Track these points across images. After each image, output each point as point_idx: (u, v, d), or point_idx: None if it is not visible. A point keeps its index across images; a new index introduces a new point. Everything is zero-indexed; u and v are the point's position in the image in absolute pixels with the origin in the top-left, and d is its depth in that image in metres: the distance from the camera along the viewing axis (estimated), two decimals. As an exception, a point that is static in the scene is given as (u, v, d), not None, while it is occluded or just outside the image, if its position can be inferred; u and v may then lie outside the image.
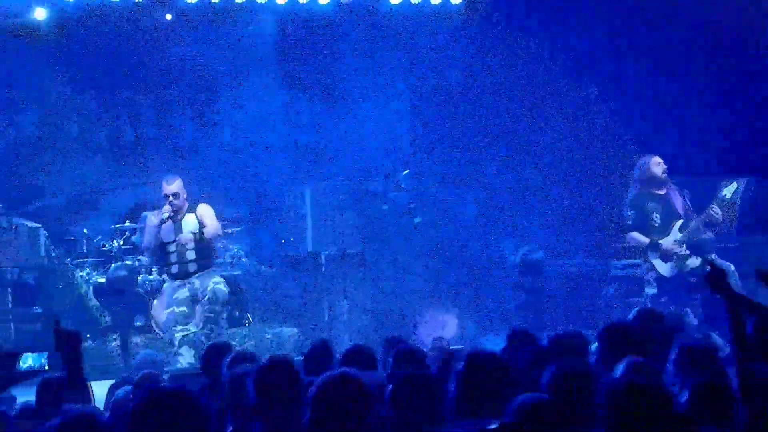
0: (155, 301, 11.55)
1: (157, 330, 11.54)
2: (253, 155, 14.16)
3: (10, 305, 11.33)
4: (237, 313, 12.11)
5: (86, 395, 4.61)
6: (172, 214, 10.23)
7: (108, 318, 11.85)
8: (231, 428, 4.85)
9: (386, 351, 5.97)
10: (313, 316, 11.89)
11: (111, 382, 7.44)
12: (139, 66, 14.02)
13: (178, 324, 10.13)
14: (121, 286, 11.44)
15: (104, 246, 12.49)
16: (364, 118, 13.82)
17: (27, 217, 12.39)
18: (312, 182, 12.74)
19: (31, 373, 4.59)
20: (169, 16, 13.53)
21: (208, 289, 10.15)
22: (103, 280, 11.89)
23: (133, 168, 14.42)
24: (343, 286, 11.26)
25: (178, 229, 10.27)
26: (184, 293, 10.17)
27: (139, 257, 12.09)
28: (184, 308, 10.14)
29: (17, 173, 13.87)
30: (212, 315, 10.06)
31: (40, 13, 13.02)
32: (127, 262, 11.88)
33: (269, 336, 11.60)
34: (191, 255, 10.26)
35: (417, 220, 12.20)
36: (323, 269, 11.50)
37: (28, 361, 4.56)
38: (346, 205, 11.36)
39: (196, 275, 10.28)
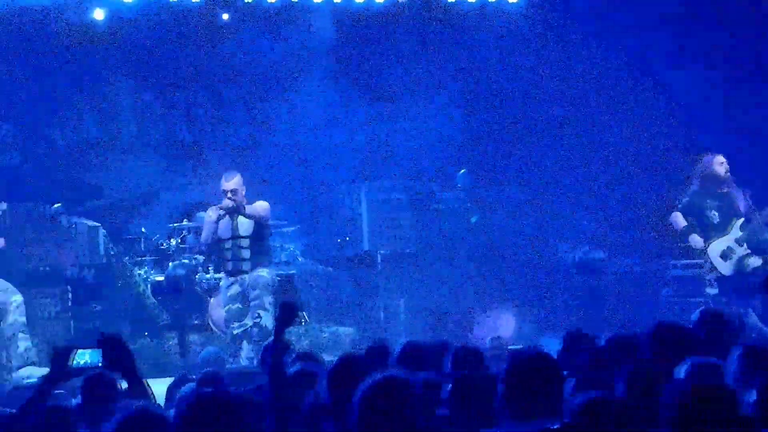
0: (212, 300, 11.61)
1: (214, 328, 11.60)
2: (309, 155, 14.19)
3: (70, 303, 11.41)
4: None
5: (145, 393, 4.62)
6: (230, 208, 10.11)
7: (166, 316, 11.92)
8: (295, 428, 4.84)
9: (441, 351, 5.92)
10: (368, 316, 11.89)
11: (169, 379, 7.47)
12: (195, 66, 14.12)
13: (235, 321, 10.11)
14: (180, 284, 11.47)
15: (162, 245, 12.58)
16: (420, 117, 13.79)
17: (86, 216, 12.51)
18: (367, 182, 12.72)
19: (85, 370, 4.61)
20: (226, 16, 13.62)
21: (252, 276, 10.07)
22: (161, 278, 11.96)
23: (190, 167, 14.53)
24: (399, 286, 11.22)
25: (236, 226, 10.22)
26: (236, 289, 10.16)
27: (195, 256, 12.16)
28: (238, 305, 10.11)
29: (77, 173, 14.02)
30: (257, 300, 9.96)
31: (99, 14, 13.17)
32: (185, 261, 11.94)
33: (325, 335, 11.60)
34: (246, 254, 10.17)
35: (473, 219, 12.15)
36: (379, 268, 11.48)
37: (85, 357, 4.58)
38: (402, 204, 11.33)
39: (250, 274, 10.20)
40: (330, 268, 12.53)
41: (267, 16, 13.59)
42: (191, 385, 5.93)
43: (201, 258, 12.12)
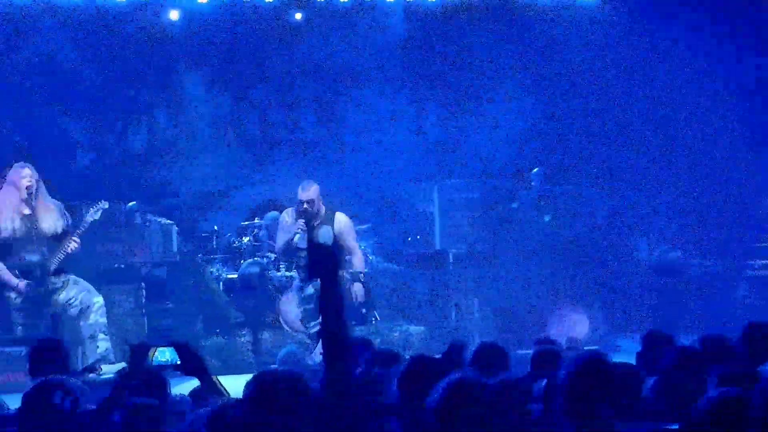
0: (283, 298, 11.65)
1: (285, 326, 11.62)
2: (380, 153, 14.18)
3: (143, 300, 11.51)
4: (363, 311, 12.12)
5: (218, 391, 4.65)
6: (304, 230, 10.01)
7: (238, 314, 11.98)
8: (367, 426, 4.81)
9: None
10: (440, 315, 11.82)
11: (242, 377, 7.49)
12: (268, 65, 14.20)
13: (311, 320, 10.10)
14: (253, 282, 11.50)
15: (234, 242, 12.64)
16: (493, 114, 13.70)
17: (160, 213, 12.61)
18: (439, 180, 12.66)
19: (163, 367, 4.65)
20: (298, 16, 13.67)
21: None
22: (233, 276, 12.02)
23: (261, 165, 14.61)
24: (471, 285, 11.14)
25: (312, 238, 10.10)
26: (310, 290, 10.14)
27: (267, 254, 12.20)
28: (312, 304, 10.10)
29: (151, 171, 14.17)
30: None
31: (174, 15, 13.29)
32: (257, 259, 11.98)
33: (396, 334, 11.57)
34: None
35: (547, 218, 12.02)
36: (451, 267, 11.40)
37: (165, 355, 4.63)
38: (475, 203, 11.23)
39: None
40: (401, 267, 12.49)
41: (339, 15, 13.61)
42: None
43: (272, 256, 12.16)
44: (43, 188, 9.51)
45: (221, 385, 4.75)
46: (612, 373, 4.02)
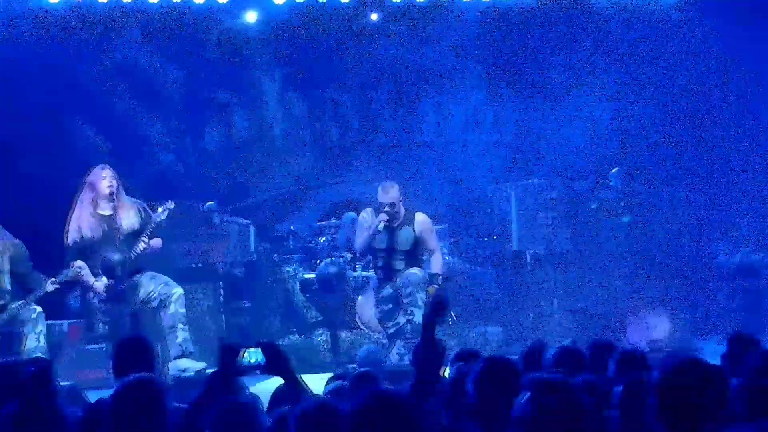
0: (360, 298, 11.67)
1: (361, 326, 11.65)
2: (457, 153, 14.14)
3: (221, 299, 11.61)
4: (440, 312, 12.10)
5: (303, 391, 4.67)
6: (387, 224, 9.98)
7: (314, 313, 12.02)
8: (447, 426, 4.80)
9: (597, 353, 5.77)
10: (517, 316, 11.74)
11: (319, 375, 7.51)
12: (344, 66, 14.23)
13: (388, 321, 10.07)
14: (331, 282, 11.53)
15: (310, 242, 12.69)
16: (571, 115, 13.57)
17: (237, 213, 12.72)
18: (517, 180, 12.58)
19: (253, 368, 4.68)
20: (375, 17, 13.68)
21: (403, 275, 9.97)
22: (311, 275, 12.06)
23: (338, 166, 14.65)
24: (550, 286, 11.04)
25: (391, 238, 10.05)
26: (387, 290, 10.11)
27: (343, 254, 12.24)
28: (390, 305, 10.06)
29: (229, 172, 14.29)
30: (410, 298, 9.87)
31: (251, 16, 13.38)
32: (333, 259, 12.02)
33: (473, 335, 11.52)
34: (400, 265, 10.08)
35: (626, 219, 11.86)
36: (528, 268, 11.32)
37: (256, 356, 4.66)
38: (553, 203, 11.11)
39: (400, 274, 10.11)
40: (478, 268, 12.43)
41: (416, 15, 13.58)
42: (339, 382, 5.95)
43: (349, 256, 12.19)
44: (121, 188, 9.63)
45: (305, 384, 4.76)
46: (710, 375, 3.94)
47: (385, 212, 9.90)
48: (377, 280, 10.21)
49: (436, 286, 10.03)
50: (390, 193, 9.97)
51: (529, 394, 3.67)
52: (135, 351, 5.42)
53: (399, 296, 9.93)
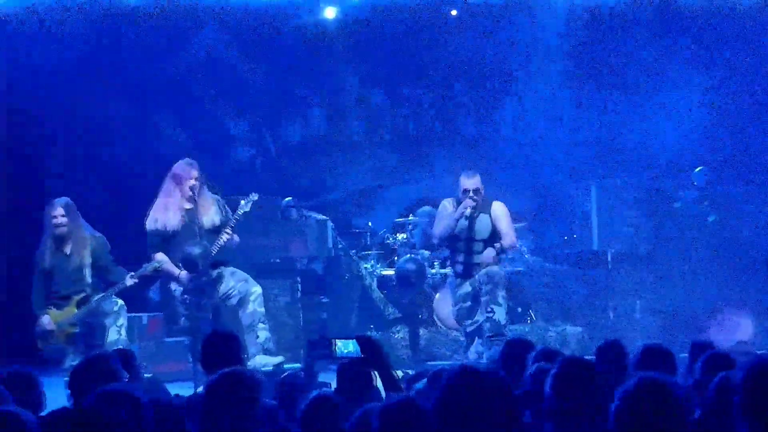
0: (437, 295, 11.63)
1: (439, 323, 11.60)
2: (537, 150, 14.03)
3: (299, 294, 11.65)
4: (519, 310, 12.01)
5: (398, 386, 4.67)
6: (467, 216, 9.86)
7: (392, 309, 12.00)
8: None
9: (695, 355, 5.64)
10: (597, 315, 11.59)
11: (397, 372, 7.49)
12: (423, 62, 14.20)
13: (466, 319, 9.97)
14: (410, 278, 11.48)
15: (387, 239, 12.68)
16: (655, 112, 13.39)
17: (315, 209, 12.75)
18: (598, 178, 12.42)
19: (346, 359, 4.69)
20: (454, 12, 13.62)
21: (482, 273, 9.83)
22: (389, 272, 12.05)
23: (416, 163, 14.63)
24: (632, 286, 10.88)
25: (471, 227, 9.94)
26: (466, 288, 9.99)
27: (421, 250, 12.20)
28: (469, 303, 9.95)
29: (307, 168, 14.35)
30: (489, 296, 9.74)
31: (329, 13, 13.41)
32: (412, 255, 11.98)
33: (552, 334, 11.41)
34: (478, 258, 9.97)
35: (711, 218, 11.64)
36: (609, 267, 11.16)
37: (349, 347, 4.67)
38: (636, 202, 10.93)
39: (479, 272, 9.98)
40: (558, 267, 12.30)
41: (495, 11, 13.49)
42: (424, 380, 5.91)
43: (426, 253, 12.15)
44: (204, 184, 9.69)
45: (398, 379, 4.75)
46: None
47: (471, 199, 9.76)
48: (455, 276, 10.04)
49: (499, 252, 9.84)
50: (473, 179, 9.85)
51: (630, 392, 3.57)
52: (224, 345, 5.43)
53: (478, 294, 9.82)
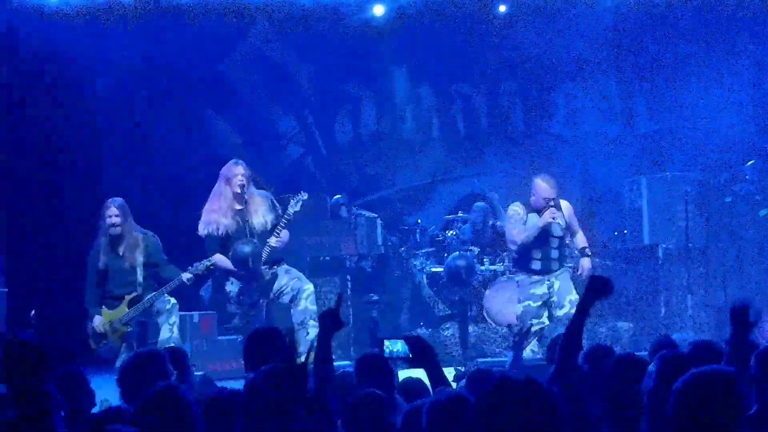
0: (488, 291, 11.60)
1: (489, 320, 11.59)
2: (588, 145, 13.96)
3: (349, 292, 11.68)
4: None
5: (447, 385, 4.70)
6: (554, 219, 9.81)
7: (442, 307, 12.00)
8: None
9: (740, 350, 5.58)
10: (648, 311, 11.51)
11: (447, 370, 7.48)
12: (472, 58, 14.18)
13: (532, 318, 9.99)
14: (461, 275, 11.47)
15: (437, 236, 12.68)
16: (705, 106, 13.26)
17: (365, 207, 12.78)
18: (648, 173, 12.33)
19: (398, 359, 4.74)
20: (503, 8, 13.58)
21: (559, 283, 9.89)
22: (438, 269, 12.04)
23: (466, 159, 14.61)
24: (683, 281, 10.78)
25: (545, 228, 9.98)
26: (542, 290, 10.00)
27: (470, 247, 12.18)
28: (539, 303, 9.99)
29: (357, 165, 14.39)
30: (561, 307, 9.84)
31: (378, 10, 13.44)
32: (462, 252, 11.96)
33: (603, 330, 11.34)
34: (555, 254, 10.00)
35: (763, 212, 11.49)
36: (660, 262, 11.08)
37: (397, 346, 4.72)
38: (687, 197, 10.83)
39: (556, 274, 10.00)
40: (608, 262, 12.22)
41: (544, 6, 13.44)
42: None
43: (476, 250, 12.14)
44: (252, 183, 9.73)
45: (447, 378, 4.78)
46: None
47: (551, 206, 9.77)
48: (529, 273, 10.03)
49: (588, 256, 9.95)
50: (553, 186, 9.84)
51: (690, 384, 3.52)
52: (266, 342, 5.46)
53: (549, 299, 9.86)
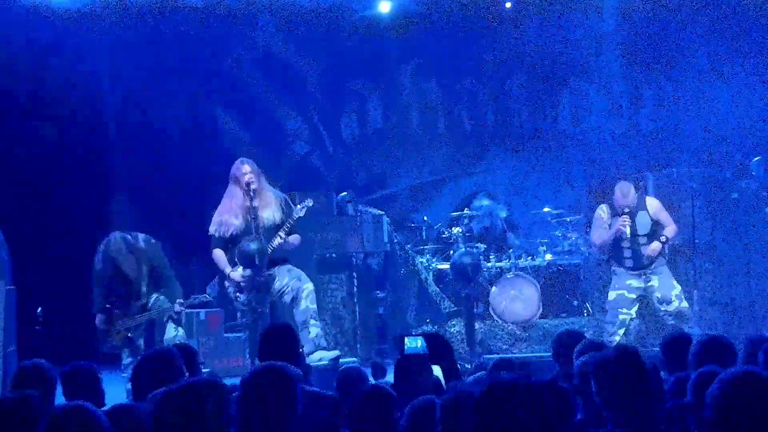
0: (494, 288, 11.61)
1: (495, 317, 11.59)
2: (594, 141, 13.95)
3: (355, 289, 11.68)
4: (575, 303, 11.96)
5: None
6: (623, 227, 10.18)
7: (448, 303, 12.00)
8: (579, 416, 4.73)
9: (753, 347, 5.58)
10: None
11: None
12: (478, 55, 14.17)
13: (624, 307, 10.24)
14: (466, 272, 11.48)
15: (444, 233, 12.68)
16: (711, 102, 13.25)
17: (371, 204, 12.78)
18: (654, 168, 12.32)
19: (416, 355, 4.78)
20: (508, 5, 13.58)
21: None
22: (445, 266, 12.05)
23: (472, 156, 14.61)
24: (689, 277, 10.79)
25: (632, 226, 10.24)
26: (639, 283, 10.31)
27: (477, 244, 12.18)
28: (633, 295, 10.29)
29: (363, 163, 14.39)
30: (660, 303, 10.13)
31: (384, 7, 13.44)
32: (470, 249, 11.96)
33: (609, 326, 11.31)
34: (644, 250, 10.30)
35: (768, 209, 11.49)
36: (666, 259, 11.03)
37: (416, 343, 4.77)
38: (693, 193, 10.85)
39: (653, 269, 10.26)
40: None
41: (550, 2, 13.43)
42: (482, 372, 5.93)
43: (482, 246, 12.14)
44: (263, 180, 9.74)
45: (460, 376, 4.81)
46: None
47: (626, 213, 10.18)
48: (626, 268, 10.32)
49: (662, 242, 10.28)
50: (629, 196, 10.25)
51: (732, 383, 3.49)
52: (280, 338, 5.47)
53: (640, 295, 10.27)
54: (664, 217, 10.35)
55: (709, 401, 3.46)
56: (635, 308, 10.33)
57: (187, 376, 5.05)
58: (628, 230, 10.19)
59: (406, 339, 4.80)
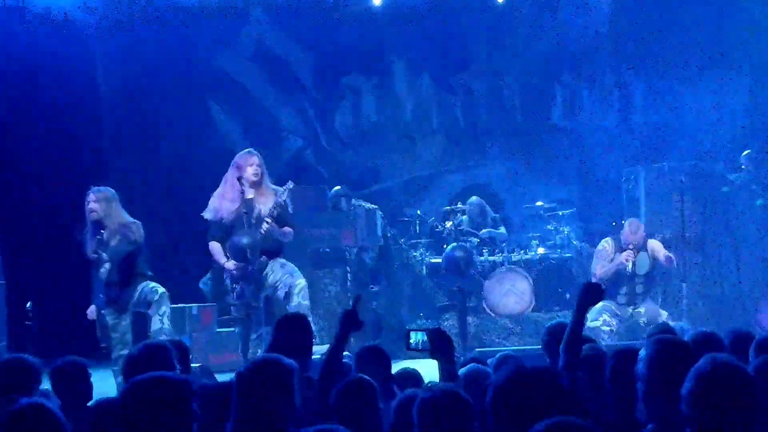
0: (487, 282, 11.65)
1: (488, 311, 11.64)
2: (585, 136, 13.99)
3: (349, 283, 11.71)
4: (568, 296, 12.01)
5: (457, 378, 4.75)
6: (626, 261, 10.24)
7: (442, 298, 12.05)
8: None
9: (735, 340, 5.61)
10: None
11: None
12: (471, 49, 14.20)
13: (606, 314, 10.26)
14: (459, 266, 11.52)
15: (437, 227, 12.71)
16: (702, 95, 13.29)
17: (365, 198, 12.80)
18: (646, 163, 12.36)
19: (419, 351, 4.81)
20: (500, 0, 13.60)
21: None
22: (438, 260, 12.09)
23: (465, 151, 14.64)
24: (679, 270, 10.83)
25: (632, 264, 10.30)
26: (626, 311, 10.38)
27: (470, 239, 12.22)
28: (619, 312, 10.34)
29: (357, 157, 14.42)
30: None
31: (377, 0, 13.44)
32: (460, 243, 12.00)
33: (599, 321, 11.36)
34: (639, 288, 10.39)
35: (759, 202, 11.51)
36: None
37: (418, 337, 4.80)
38: (683, 186, 10.86)
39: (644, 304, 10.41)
40: (605, 252, 12.25)
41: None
42: (476, 365, 5.96)
43: (475, 241, 12.18)
44: (266, 176, 9.64)
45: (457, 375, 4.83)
46: None
47: (631, 250, 10.23)
48: (618, 304, 10.34)
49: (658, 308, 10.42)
50: (638, 233, 10.31)
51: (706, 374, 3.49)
52: (292, 329, 5.50)
53: (632, 318, 10.31)
54: (660, 257, 10.35)
55: (685, 396, 3.48)
56: (615, 324, 10.18)
57: (178, 372, 5.07)
58: (630, 265, 10.22)
59: (411, 333, 4.84)
